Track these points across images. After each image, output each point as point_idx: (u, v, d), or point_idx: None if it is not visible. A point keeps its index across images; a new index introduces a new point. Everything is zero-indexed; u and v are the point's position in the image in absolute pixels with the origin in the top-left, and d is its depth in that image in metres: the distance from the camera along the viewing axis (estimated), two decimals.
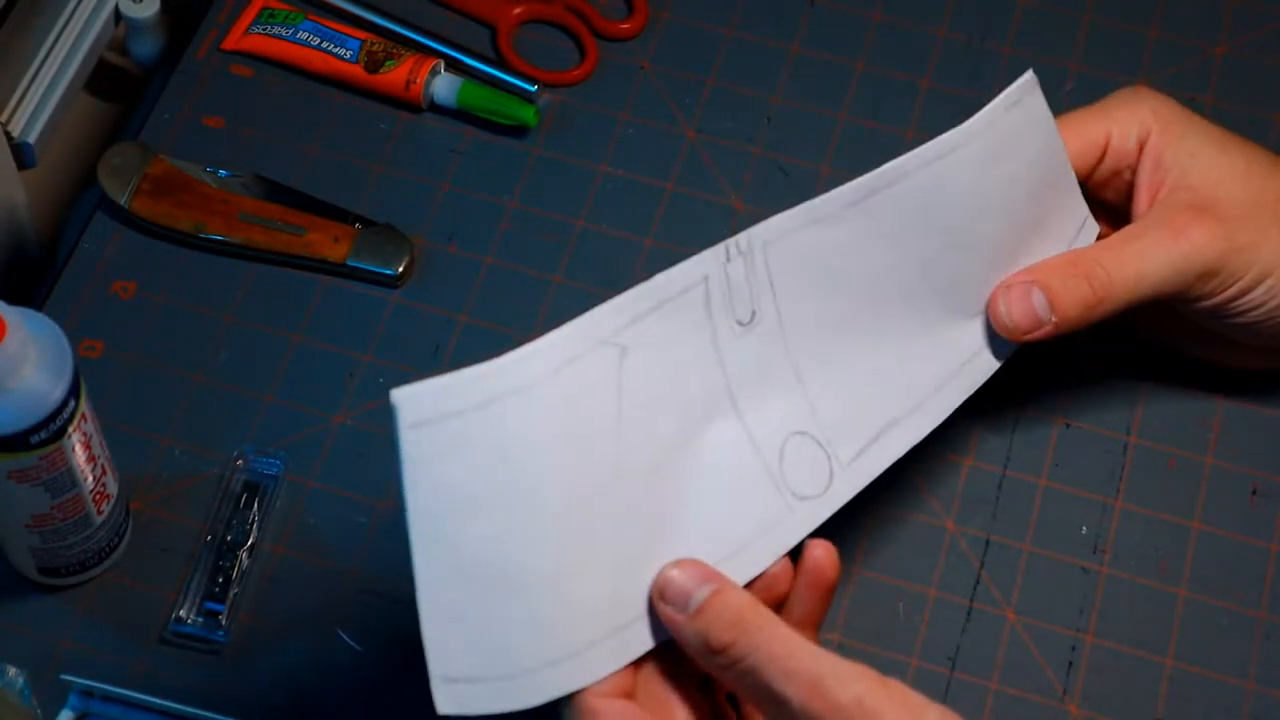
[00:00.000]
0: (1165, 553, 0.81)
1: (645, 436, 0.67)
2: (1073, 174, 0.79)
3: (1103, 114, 0.80)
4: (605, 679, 0.66)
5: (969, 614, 0.80)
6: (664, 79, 0.94)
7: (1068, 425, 0.84)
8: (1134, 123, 0.79)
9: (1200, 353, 0.84)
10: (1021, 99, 0.77)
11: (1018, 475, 0.83)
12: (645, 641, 0.67)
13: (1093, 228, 0.81)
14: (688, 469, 0.69)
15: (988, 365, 0.77)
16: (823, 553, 0.68)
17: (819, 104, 0.93)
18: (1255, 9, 0.96)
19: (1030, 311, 0.75)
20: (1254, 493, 0.83)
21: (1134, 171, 0.79)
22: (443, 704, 0.65)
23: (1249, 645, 0.79)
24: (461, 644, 0.65)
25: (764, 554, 0.69)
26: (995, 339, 0.77)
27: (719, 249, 0.69)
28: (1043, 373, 0.85)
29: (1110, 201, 0.81)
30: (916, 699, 0.63)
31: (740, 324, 0.70)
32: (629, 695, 0.67)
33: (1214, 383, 0.85)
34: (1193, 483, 0.83)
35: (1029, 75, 0.78)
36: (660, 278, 0.68)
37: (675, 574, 0.66)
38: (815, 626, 0.69)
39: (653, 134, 0.92)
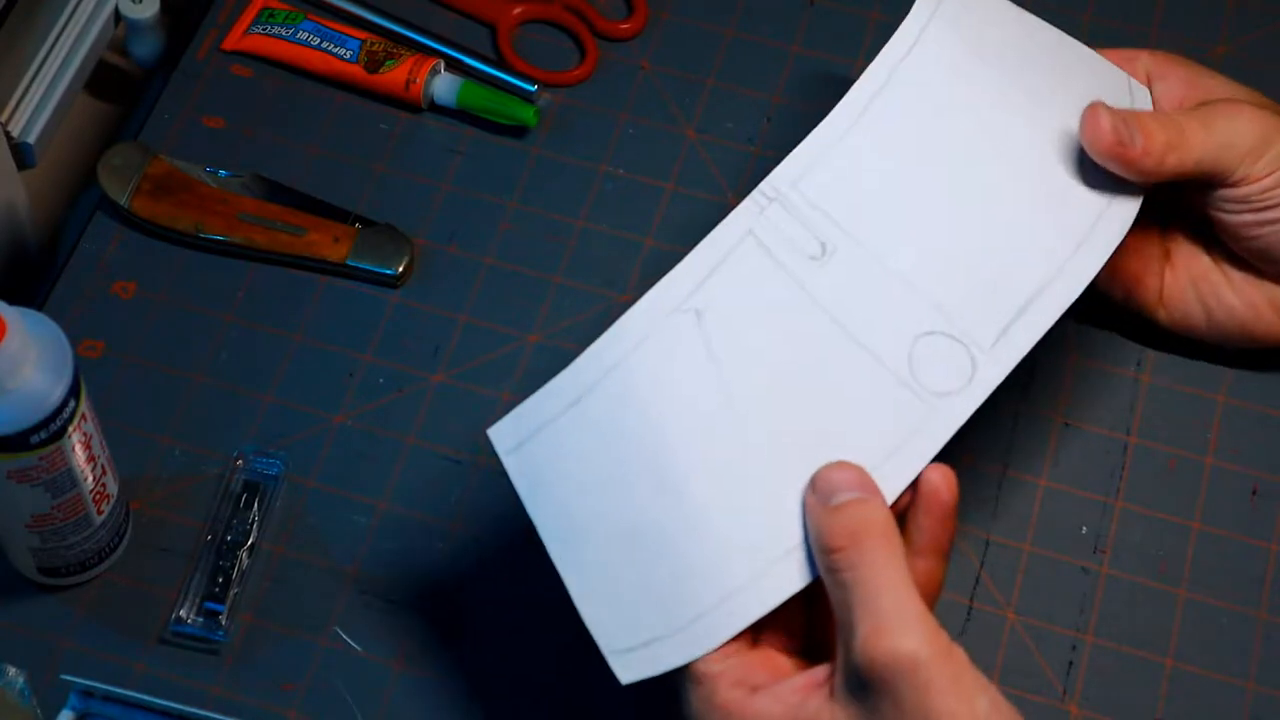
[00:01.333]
0: (1165, 553, 0.81)
1: (753, 382, 0.68)
2: (1079, 45, 0.80)
3: (1110, 54, 0.82)
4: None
5: (969, 614, 0.80)
6: (664, 79, 0.94)
7: (1068, 425, 0.84)
8: (1138, 59, 0.81)
9: (1179, 315, 0.83)
10: None
11: (1018, 475, 0.83)
12: (805, 571, 0.67)
13: (1143, 90, 0.80)
14: (815, 401, 0.69)
15: (1122, 219, 0.75)
16: (939, 477, 0.68)
17: (819, 104, 0.93)
18: (1255, 9, 0.96)
19: (1125, 125, 0.75)
20: (1254, 493, 0.83)
21: (1153, 100, 0.80)
22: (623, 674, 0.67)
23: (1249, 645, 0.79)
24: (621, 617, 0.67)
25: (914, 458, 0.69)
26: (1119, 193, 0.75)
27: (748, 202, 0.71)
28: (1043, 373, 0.85)
29: None
30: (971, 678, 0.63)
31: (814, 259, 0.71)
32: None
33: (1214, 382, 0.85)
34: (1193, 483, 0.83)
35: None
36: (704, 244, 0.70)
37: (832, 471, 0.68)
38: (941, 554, 0.68)
39: (653, 134, 0.92)
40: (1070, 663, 0.78)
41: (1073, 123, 0.76)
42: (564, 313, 0.87)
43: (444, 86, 0.92)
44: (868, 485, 0.67)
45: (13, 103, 0.86)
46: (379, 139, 0.92)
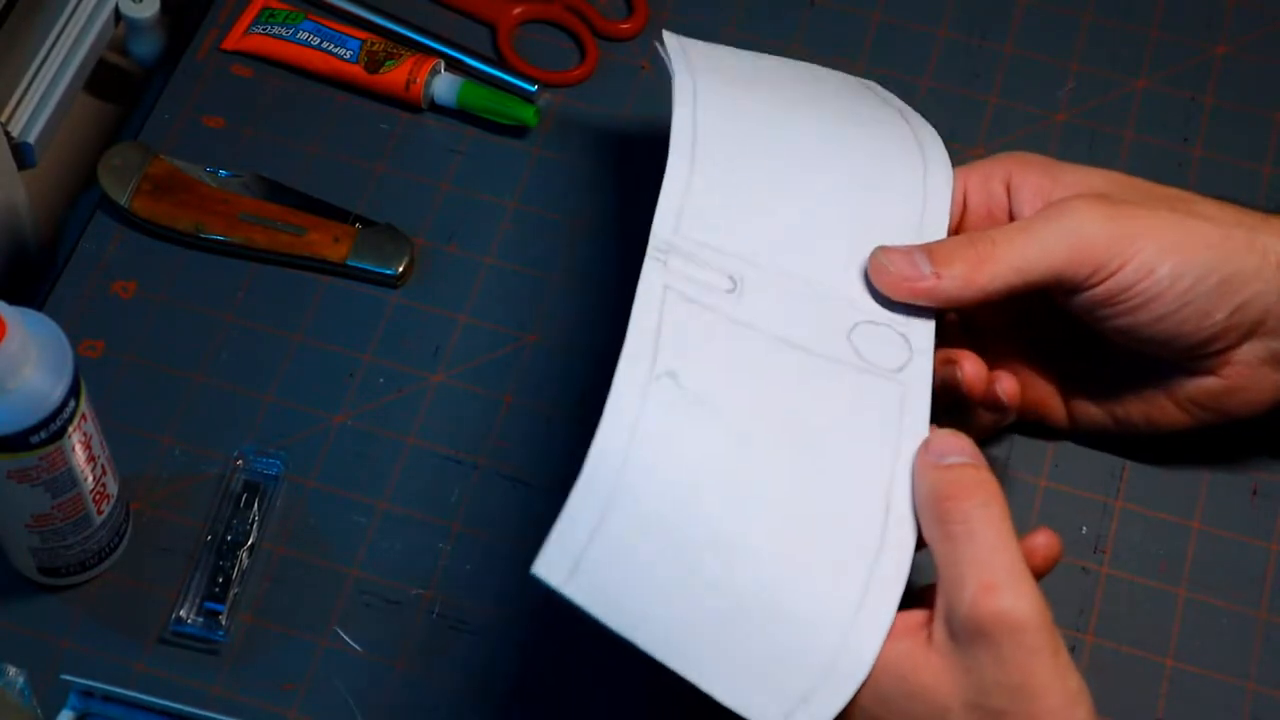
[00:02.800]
0: (1165, 553, 0.81)
1: (753, 417, 0.69)
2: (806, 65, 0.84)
3: (957, 173, 0.79)
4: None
5: None
6: (664, 79, 0.94)
7: None
8: (994, 170, 0.78)
9: (1087, 424, 0.81)
10: (674, 54, 0.81)
11: (1018, 475, 0.83)
12: (904, 552, 0.68)
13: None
14: (809, 414, 0.70)
15: (946, 178, 0.79)
16: (1045, 540, 0.70)
17: None
18: (1255, 9, 0.96)
19: (911, 261, 0.74)
20: (1254, 493, 0.83)
21: (1009, 211, 0.77)
22: None
23: (1249, 645, 0.79)
24: (766, 689, 0.66)
25: (915, 429, 0.71)
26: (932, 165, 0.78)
27: (649, 262, 0.72)
28: None
29: None
30: (1066, 656, 0.65)
31: (730, 292, 0.72)
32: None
33: None
34: (1193, 483, 0.83)
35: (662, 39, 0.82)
36: (635, 312, 0.70)
37: (945, 436, 0.70)
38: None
39: (653, 134, 0.92)
40: None
41: (852, 122, 0.81)
42: (564, 313, 0.87)
43: (444, 86, 0.92)
44: (979, 457, 0.69)
45: (13, 103, 0.86)
46: (379, 139, 0.92)
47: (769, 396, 0.70)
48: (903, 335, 0.74)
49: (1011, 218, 0.77)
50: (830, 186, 0.78)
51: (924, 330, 0.74)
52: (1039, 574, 0.69)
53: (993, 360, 0.77)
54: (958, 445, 0.70)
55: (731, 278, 0.73)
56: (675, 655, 0.66)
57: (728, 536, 0.67)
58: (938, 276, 0.73)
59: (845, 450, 0.70)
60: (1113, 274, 0.73)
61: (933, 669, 0.65)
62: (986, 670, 0.64)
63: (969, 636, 0.64)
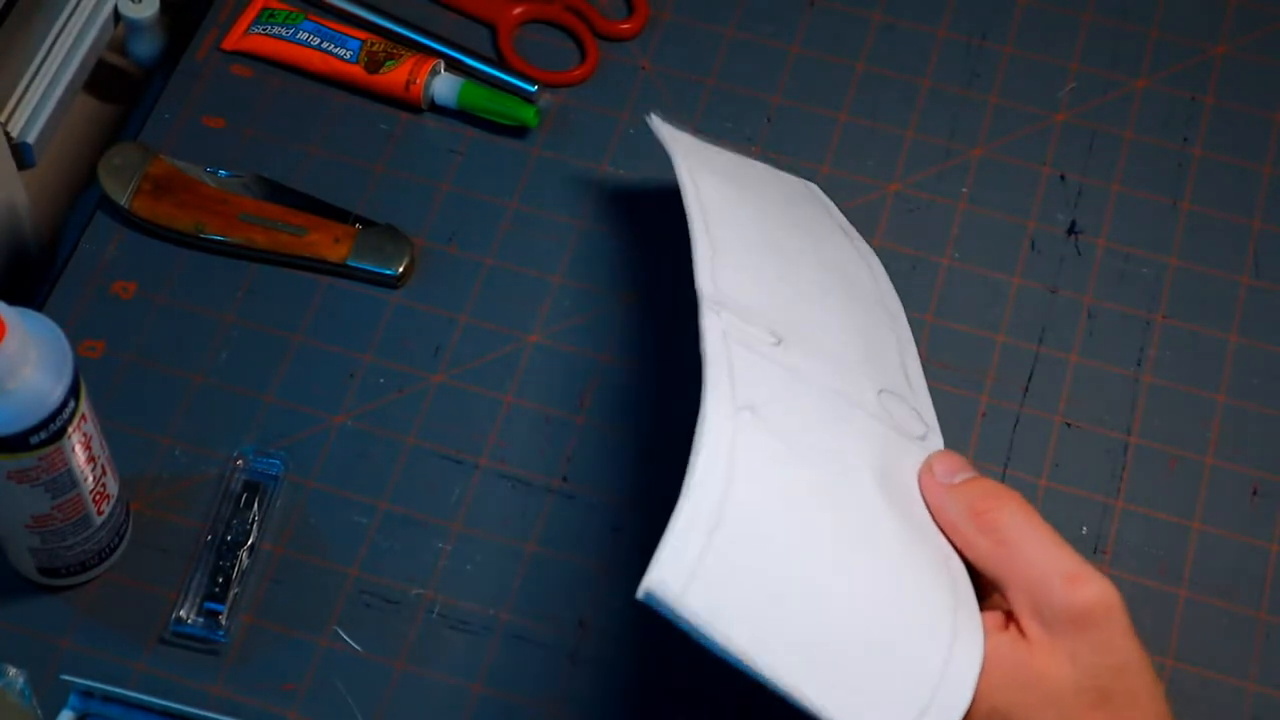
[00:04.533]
0: (1165, 553, 0.81)
1: (830, 454, 0.71)
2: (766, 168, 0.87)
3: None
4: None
5: None
6: (664, 79, 0.94)
7: (1068, 425, 0.84)
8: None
9: None
10: (665, 138, 0.83)
11: (1018, 475, 0.83)
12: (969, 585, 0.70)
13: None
14: (867, 459, 0.72)
15: None
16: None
17: (819, 104, 0.93)
18: (1255, 9, 0.96)
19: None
20: (1254, 493, 0.83)
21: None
22: None
23: (1249, 645, 0.79)
24: (888, 708, 0.66)
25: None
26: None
27: (708, 312, 0.73)
28: (1042, 373, 0.85)
29: None
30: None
31: (775, 346, 0.74)
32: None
33: (1214, 383, 0.85)
34: (1193, 483, 0.83)
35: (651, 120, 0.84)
36: (708, 356, 0.71)
37: (943, 456, 0.73)
38: None
39: (653, 134, 0.92)
40: None
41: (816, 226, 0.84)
42: (564, 313, 0.87)
43: (444, 86, 0.92)
44: (977, 470, 0.72)
45: (13, 103, 0.86)
46: (379, 139, 0.92)
47: (832, 439, 0.72)
48: (915, 410, 0.77)
49: None
50: (816, 274, 0.80)
51: (929, 410, 0.78)
52: None
53: None
54: (960, 463, 0.72)
55: (774, 333, 0.74)
56: (791, 676, 0.64)
57: (843, 554, 0.68)
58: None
59: (902, 498, 0.71)
60: None
61: (1040, 659, 0.67)
62: (1090, 654, 0.66)
63: (1065, 625, 0.67)
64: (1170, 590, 0.80)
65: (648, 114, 0.85)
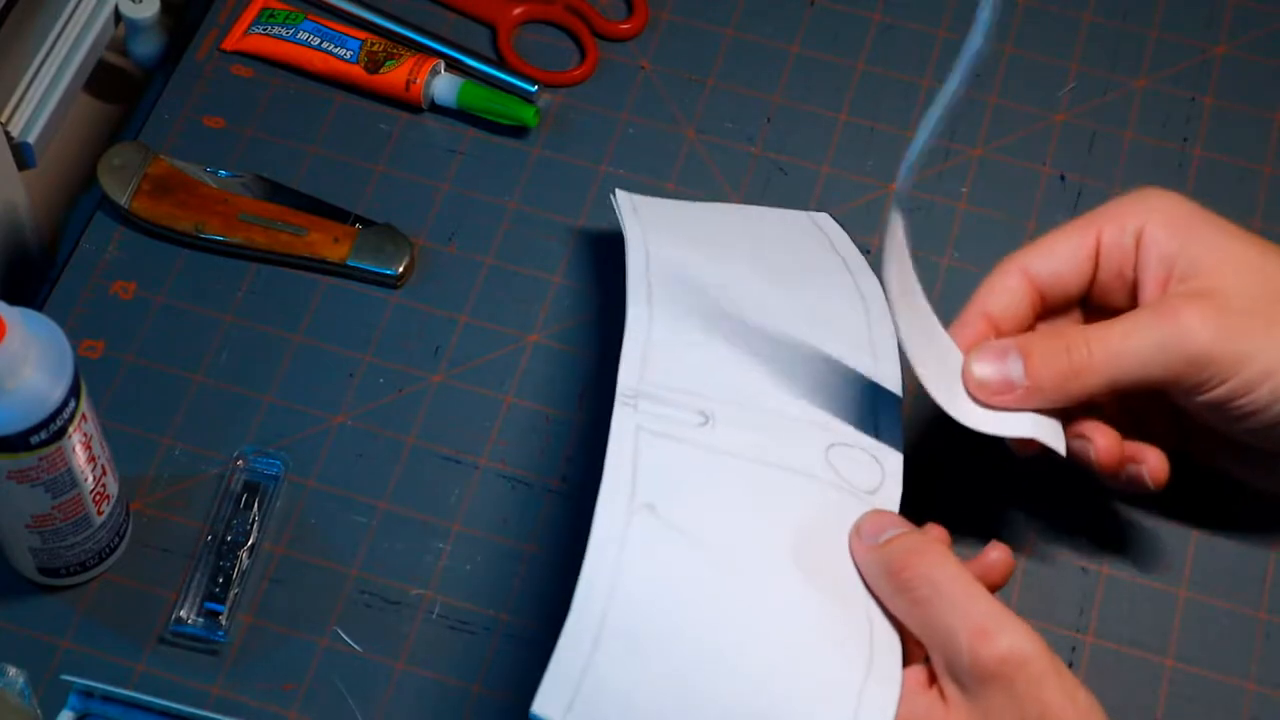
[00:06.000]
0: (1165, 553, 0.81)
1: (735, 540, 0.70)
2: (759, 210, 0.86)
3: (1096, 216, 0.76)
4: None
5: None
6: (664, 79, 0.94)
7: None
8: (1129, 219, 0.75)
9: (1248, 475, 0.79)
10: (625, 212, 0.83)
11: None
12: (894, 652, 0.69)
13: (832, 223, 0.86)
14: (790, 531, 0.71)
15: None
16: (998, 555, 0.71)
17: (819, 104, 0.93)
18: (1255, 9, 0.96)
19: (1003, 371, 0.73)
20: (1255, 491, 0.83)
21: (1135, 269, 0.74)
22: None
23: (1249, 645, 0.79)
24: None
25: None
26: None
27: (618, 408, 0.73)
28: None
29: (1119, 306, 0.75)
30: (1069, 674, 0.66)
31: (702, 425, 0.73)
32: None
33: None
34: (1193, 482, 0.83)
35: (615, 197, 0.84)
36: (610, 453, 0.71)
37: (872, 516, 0.71)
38: None
39: (653, 134, 0.92)
40: (1070, 663, 0.78)
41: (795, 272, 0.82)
42: (564, 313, 0.87)
43: (444, 86, 0.92)
44: (908, 525, 0.71)
45: (13, 103, 0.86)
46: (379, 139, 0.92)
47: (749, 516, 0.71)
48: (874, 458, 0.75)
49: (1136, 281, 0.75)
50: (782, 326, 0.79)
51: (894, 456, 0.75)
52: (997, 587, 0.71)
53: (1129, 413, 0.76)
54: (888, 521, 0.71)
55: (702, 413, 0.74)
56: None
57: (717, 656, 0.68)
58: (1028, 390, 0.73)
59: (826, 564, 0.71)
60: (1213, 389, 0.71)
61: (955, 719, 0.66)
62: (1003, 711, 0.65)
63: (977, 683, 0.65)
64: (1170, 590, 0.80)
65: (611, 192, 0.84)
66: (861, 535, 0.71)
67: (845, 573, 0.71)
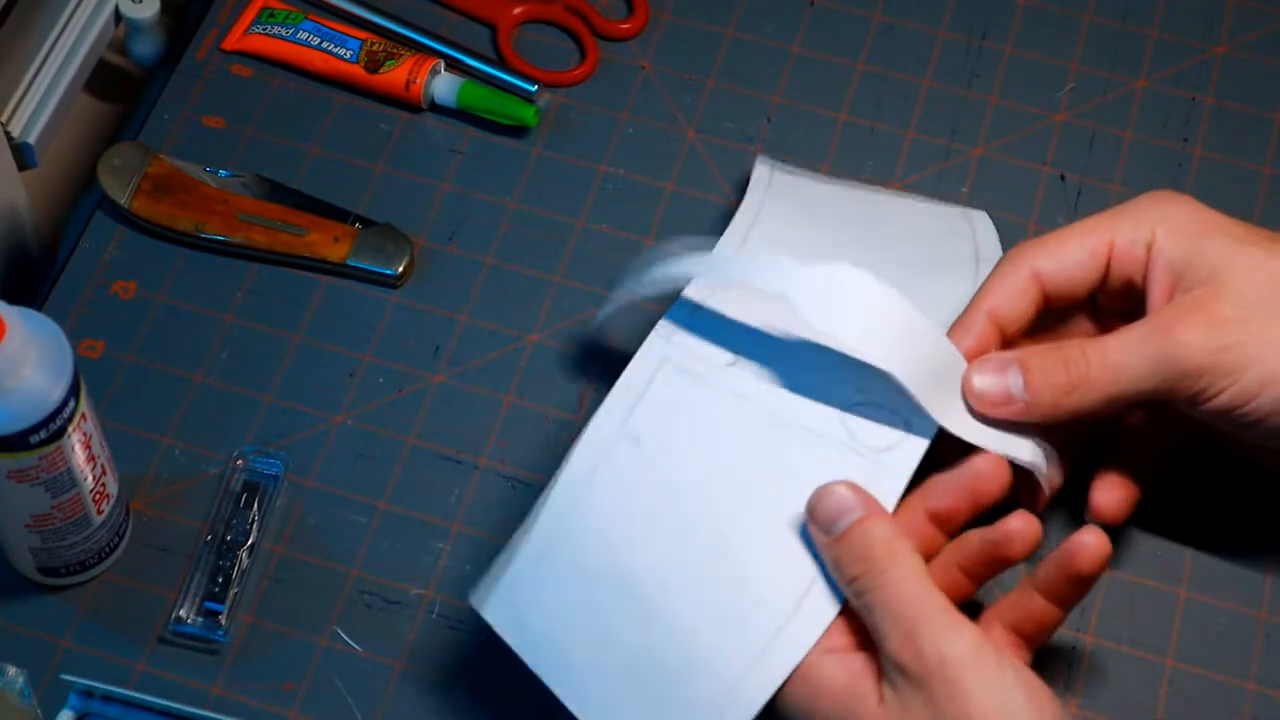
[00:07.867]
0: (1165, 553, 0.81)
1: (706, 483, 0.72)
2: (904, 197, 0.86)
3: (1108, 219, 0.76)
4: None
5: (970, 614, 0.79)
6: (664, 79, 0.94)
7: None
8: (1141, 227, 0.74)
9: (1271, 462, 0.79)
10: (756, 183, 0.83)
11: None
12: (820, 619, 0.70)
13: (983, 216, 0.85)
14: (772, 483, 0.72)
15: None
16: (1093, 539, 0.70)
17: (819, 104, 0.93)
18: (1255, 9, 0.96)
19: (1002, 384, 0.73)
20: (1255, 490, 0.83)
21: (1145, 278, 0.74)
22: None
23: (1249, 645, 0.79)
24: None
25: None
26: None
27: (654, 335, 0.75)
28: None
29: (1127, 313, 0.76)
30: (1001, 675, 0.66)
31: (730, 365, 0.74)
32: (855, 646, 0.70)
33: None
34: (1193, 482, 0.83)
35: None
36: (623, 378, 0.74)
37: (824, 495, 0.70)
38: (1062, 604, 0.71)
39: (653, 134, 0.92)
40: (1070, 663, 0.78)
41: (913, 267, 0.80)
42: (564, 313, 0.87)
43: (444, 86, 0.92)
44: (861, 500, 0.70)
45: (13, 103, 0.86)
46: (379, 139, 0.92)
47: (732, 464, 0.72)
48: (901, 418, 0.74)
49: (1145, 289, 0.74)
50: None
51: (924, 421, 0.74)
52: (1013, 561, 0.71)
53: (1147, 411, 0.77)
54: (839, 504, 0.70)
55: (736, 355, 0.75)
56: (577, 700, 0.71)
57: (649, 592, 0.70)
58: (1027, 404, 0.73)
59: (792, 520, 0.71)
60: (1212, 399, 0.72)
61: (874, 716, 0.67)
62: (922, 712, 0.66)
63: (905, 686, 0.67)
64: (1170, 590, 0.80)
65: (754, 155, 0.85)
66: (815, 523, 0.70)
67: (800, 529, 0.72)
